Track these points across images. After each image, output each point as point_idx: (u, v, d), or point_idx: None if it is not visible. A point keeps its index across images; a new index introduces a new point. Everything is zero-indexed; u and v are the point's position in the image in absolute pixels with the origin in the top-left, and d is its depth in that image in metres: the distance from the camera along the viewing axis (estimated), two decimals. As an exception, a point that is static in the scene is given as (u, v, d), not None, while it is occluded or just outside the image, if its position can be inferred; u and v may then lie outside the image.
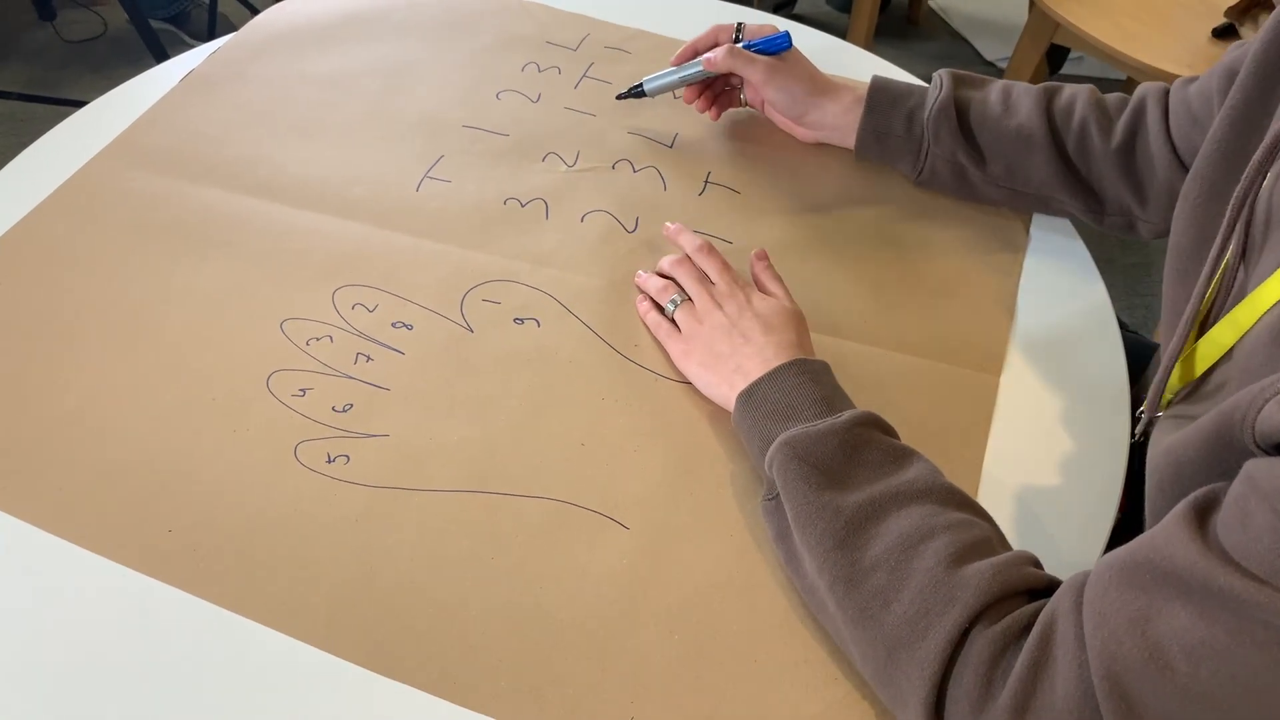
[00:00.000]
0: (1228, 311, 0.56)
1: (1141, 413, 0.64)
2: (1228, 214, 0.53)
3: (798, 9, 2.54)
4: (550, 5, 1.06)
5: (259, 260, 0.77)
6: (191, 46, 2.21)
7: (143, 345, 0.71)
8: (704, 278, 0.73)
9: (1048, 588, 0.51)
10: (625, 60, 0.99)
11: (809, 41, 0.96)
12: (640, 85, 0.88)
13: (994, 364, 0.73)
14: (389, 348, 0.72)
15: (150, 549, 0.60)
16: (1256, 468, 0.42)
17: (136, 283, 0.75)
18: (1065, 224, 0.85)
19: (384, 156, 0.87)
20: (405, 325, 0.73)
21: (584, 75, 0.97)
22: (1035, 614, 0.49)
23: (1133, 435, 0.67)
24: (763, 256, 0.74)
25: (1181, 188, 0.64)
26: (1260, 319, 0.50)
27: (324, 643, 0.57)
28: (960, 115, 0.79)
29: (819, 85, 0.84)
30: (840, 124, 0.84)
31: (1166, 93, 0.76)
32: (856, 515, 0.54)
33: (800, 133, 0.87)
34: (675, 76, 0.87)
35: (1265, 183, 0.52)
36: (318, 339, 0.72)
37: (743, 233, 0.82)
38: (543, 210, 0.83)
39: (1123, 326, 0.77)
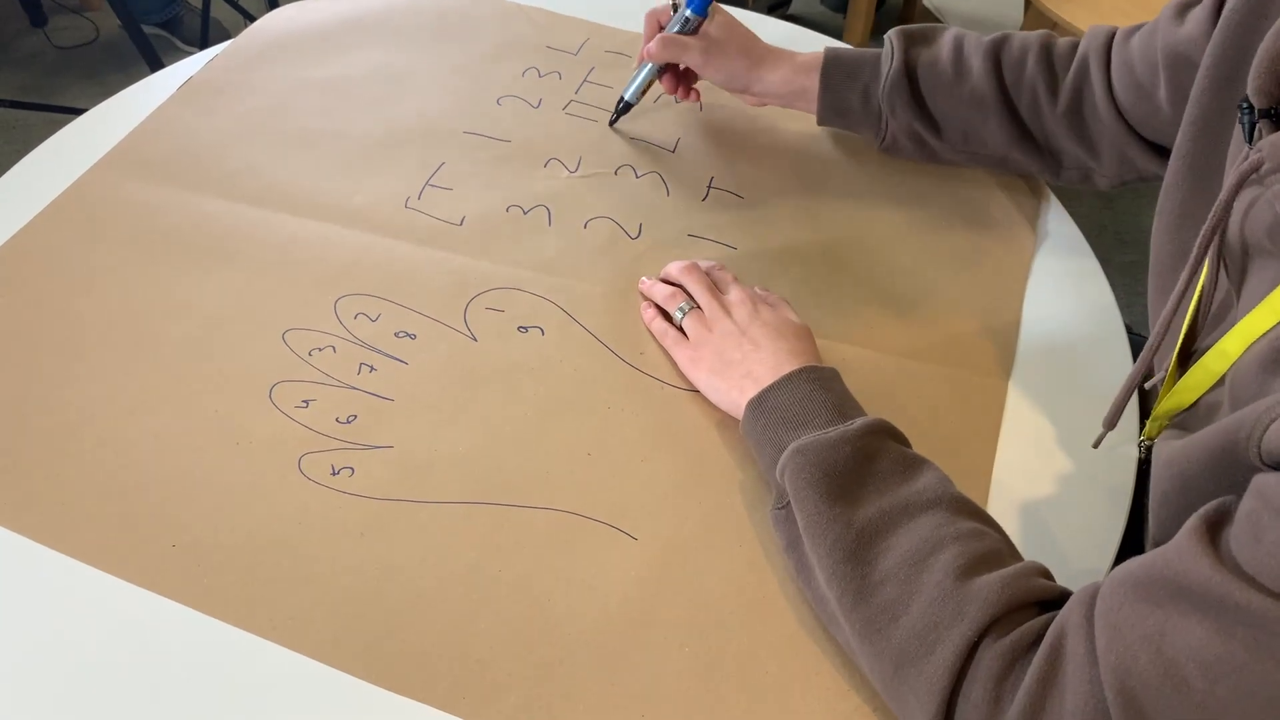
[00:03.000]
0: (1210, 336, 0.56)
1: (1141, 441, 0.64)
2: (1196, 247, 0.53)
3: (793, 9, 2.53)
4: (550, 9, 1.05)
5: (260, 270, 0.77)
6: (184, 52, 2.22)
7: (143, 357, 0.70)
8: (713, 285, 0.73)
9: (1058, 599, 0.51)
10: (626, 65, 0.99)
11: (804, 43, 0.96)
12: (623, 100, 0.89)
13: (1002, 370, 0.73)
14: (392, 358, 0.71)
15: (153, 564, 0.60)
16: (1266, 483, 0.42)
17: (136, 294, 0.75)
18: (1071, 227, 0.84)
19: (385, 164, 0.87)
20: (408, 334, 0.73)
21: (585, 80, 0.97)
22: (1045, 627, 0.49)
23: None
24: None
25: (1156, 205, 0.65)
26: (1248, 349, 0.50)
27: (330, 657, 0.56)
28: (913, 84, 0.79)
29: (755, 57, 0.84)
30: (783, 93, 0.84)
31: (1109, 48, 0.75)
32: (867, 527, 0.54)
33: (748, 100, 0.88)
34: (640, 78, 0.88)
35: (1233, 217, 0.52)
36: (320, 349, 0.71)
37: (746, 238, 0.82)
38: (545, 217, 0.83)
39: (1128, 330, 0.77)
